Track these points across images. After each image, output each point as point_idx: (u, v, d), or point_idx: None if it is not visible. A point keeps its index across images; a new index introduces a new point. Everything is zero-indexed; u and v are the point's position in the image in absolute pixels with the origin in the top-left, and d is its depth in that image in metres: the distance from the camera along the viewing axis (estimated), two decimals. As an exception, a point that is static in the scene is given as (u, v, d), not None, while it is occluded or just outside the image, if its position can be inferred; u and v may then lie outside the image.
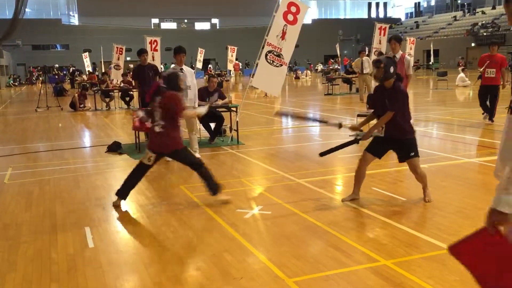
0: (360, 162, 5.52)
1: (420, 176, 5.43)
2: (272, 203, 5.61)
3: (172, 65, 8.61)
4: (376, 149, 5.44)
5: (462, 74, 23.79)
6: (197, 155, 8.36)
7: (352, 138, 5.73)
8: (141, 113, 7.22)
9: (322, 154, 5.72)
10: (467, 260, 2.10)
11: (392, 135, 5.31)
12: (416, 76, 35.15)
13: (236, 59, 36.84)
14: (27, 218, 5.37)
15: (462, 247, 2.09)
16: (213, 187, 5.56)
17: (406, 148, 5.31)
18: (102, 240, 4.64)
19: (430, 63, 43.45)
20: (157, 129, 5.50)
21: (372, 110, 5.68)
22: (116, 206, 5.63)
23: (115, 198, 5.78)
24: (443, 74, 24.26)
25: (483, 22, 47.37)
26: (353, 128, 5.71)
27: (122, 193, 5.66)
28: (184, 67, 8.16)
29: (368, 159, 5.48)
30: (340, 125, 5.60)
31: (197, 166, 5.63)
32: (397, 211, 5.18)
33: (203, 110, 6.22)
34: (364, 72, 17.92)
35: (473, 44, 45.77)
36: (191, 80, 8.18)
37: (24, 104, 22.62)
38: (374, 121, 5.63)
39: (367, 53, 20.12)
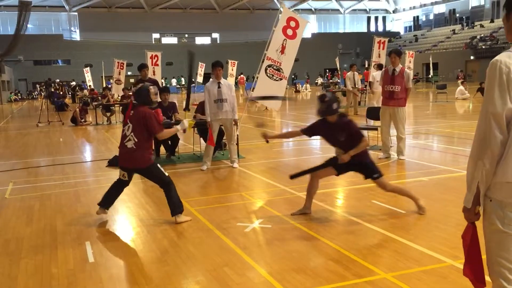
0: (320, 173, 5.60)
1: (396, 191, 5.62)
2: (272, 216, 5.61)
3: (210, 80, 8.66)
4: (340, 166, 5.48)
5: (461, 87, 23.90)
6: (236, 165, 8.58)
7: (326, 159, 5.68)
8: None
9: (292, 177, 5.60)
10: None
11: (354, 158, 5.32)
12: (415, 89, 35.27)
13: (241, 74, 37.35)
14: (28, 233, 5.37)
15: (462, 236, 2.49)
16: (177, 207, 5.46)
17: (368, 171, 5.46)
18: (102, 255, 4.64)
19: (430, 76, 43.66)
20: (129, 144, 5.36)
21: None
22: (101, 213, 5.70)
23: (115, 213, 5.79)
24: (443, 87, 24.35)
25: (482, 35, 47.66)
26: (264, 135, 5.81)
27: (104, 203, 5.69)
28: (222, 80, 8.46)
29: (328, 173, 5.63)
30: (261, 125, 5.67)
31: (166, 184, 5.50)
32: (397, 224, 5.18)
33: (179, 127, 5.81)
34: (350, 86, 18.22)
35: (472, 57, 46.00)
36: (229, 93, 8.43)
37: (26, 119, 22.70)
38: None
39: (366, 66, 20.27)
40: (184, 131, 6.03)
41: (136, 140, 5.33)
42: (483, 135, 2.21)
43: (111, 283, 3.99)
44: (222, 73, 8.43)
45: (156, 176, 5.53)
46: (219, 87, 8.33)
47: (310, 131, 5.73)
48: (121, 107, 18.57)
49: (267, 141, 6.05)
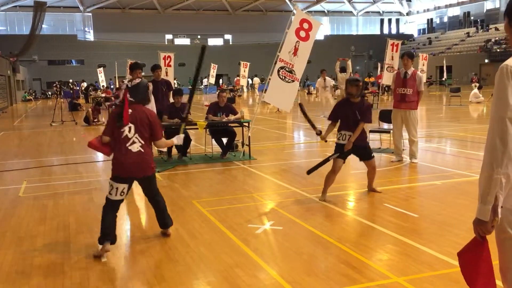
0: (334, 168, 6.29)
1: (375, 171, 6.55)
2: (283, 218, 5.61)
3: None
4: (345, 155, 6.33)
5: (476, 90, 23.68)
6: None
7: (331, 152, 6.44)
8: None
9: (309, 172, 6.37)
10: (461, 263, 2.37)
11: (356, 142, 6.23)
12: (429, 92, 35.03)
13: (238, 76, 38.27)
14: (41, 231, 5.43)
15: (462, 253, 2.36)
16: (167, 221, 5.03)
17: (368, 151, 6.47)
18: (114, 254, 4.67)
19: (443, 79, 43.37)
20: (134, 148, 4.60)
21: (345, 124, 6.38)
22: (99, 255, 4.52)
23: (127, 212, 5.80)
24: (456, 90, 24.16)
25: (497, 38, 47.21)
26: (322, 137, 6.44)
27: (103, 238, 4.58)
28: None
29: (341, 165, 6.34)
30: (320, 132, 6.42)
31: (160, 196, 4.98)
32: (409, 227, 5.15)
33: (175, 140, 5.09)
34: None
35: (486, 60, 45.58)
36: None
37: (39, 118, 22.94)
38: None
39: (379, 69, 20.28)
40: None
41: (142, 142, 4.64)
42: (499, 141, 2.10)
43: (123, 283, 4.02)
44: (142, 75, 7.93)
45: (155, 185, 4.95)
46: None
47: (335, 116, 6.48)
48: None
49: (326, 141, 6.68)
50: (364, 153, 6.44)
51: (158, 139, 4.76)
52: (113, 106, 18.62)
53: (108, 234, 4.56)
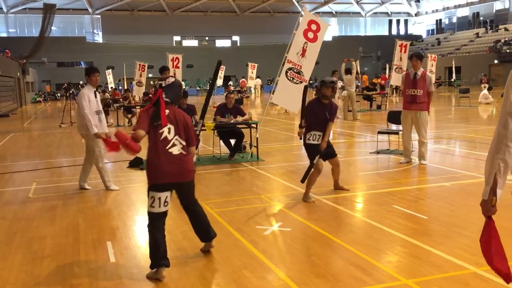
0: (319, 168, 6.41)
1: (339, 168, 6.81)
2: (291, 219, 5.60)
3: (86, 88, 7.30)
4: (320, 154, 6.47)
5: (485, 91, 23.51)
6: (114, 187, 7.46)
7: (311, 154, 6.54)
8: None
9: (303, 180, 6.43)
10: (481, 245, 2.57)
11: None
12: (438, 93, 34.84)
13: (243, 77, 38.32)
14: (51, 232, 5.46)
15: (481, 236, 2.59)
16: (211, 232, 4.61)
17: (332, 149, 6.67)
18: (123, 255, 4.69)
19: (452, 80, 43.12)
20: (175, 150, 4.18)
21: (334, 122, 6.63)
22: (157, 279, 4.06)
23: (136, 213, 5.81)
24: (465, 91, 24.01)
25: (506, 39, 46.87)
26: (300, 132, 6.64)
27: (157, 262, 4.10)
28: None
29: (322, 163, 6.49)
30: (304, 127, 6.55)
31: (198, 205, 4.58)
32: (419, 229, 5.12)
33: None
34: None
35: (495, 61, 45.26)
36: (100, 103, 7.50)
37: (49, 120, 23.09)
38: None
39: (387, 69, 20.29)
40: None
41: (183, 144, 4.22)
42: (501, 131, 2.33)
43: (132, 283, 4.03)
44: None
45: (193, 192, 4.52)
46: (95, 96, 7.30)
47: (308, 117, 6.54)
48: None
49: (301, 138, 6.72)
50: (329, 150, 6.58)
51: (192, 145, 4.32)
52: (121, 108, 18.50)
53: (162, 258, 4.09)
